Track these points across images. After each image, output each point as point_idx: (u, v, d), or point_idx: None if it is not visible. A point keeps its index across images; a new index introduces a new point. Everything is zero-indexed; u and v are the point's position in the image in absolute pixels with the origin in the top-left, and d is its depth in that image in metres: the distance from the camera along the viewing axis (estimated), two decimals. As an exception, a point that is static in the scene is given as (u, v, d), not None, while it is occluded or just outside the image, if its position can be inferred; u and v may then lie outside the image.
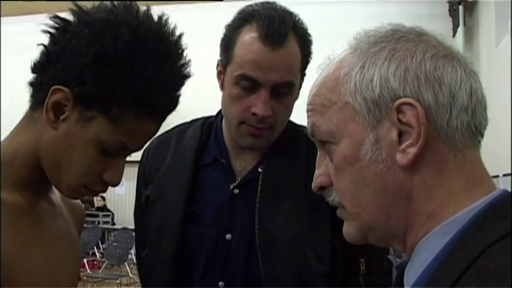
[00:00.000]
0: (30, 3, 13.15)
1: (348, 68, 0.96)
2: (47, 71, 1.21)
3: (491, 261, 0.81)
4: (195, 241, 1.75)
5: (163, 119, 1.28)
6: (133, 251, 11.32)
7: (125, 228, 12.20)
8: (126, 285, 11.17)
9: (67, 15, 1.23)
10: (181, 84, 1.27)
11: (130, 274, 11.20)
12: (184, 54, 1.27)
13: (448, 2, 11.88)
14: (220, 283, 1.71)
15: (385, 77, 0.92)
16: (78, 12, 1.23)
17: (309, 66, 1.73)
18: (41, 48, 1.23)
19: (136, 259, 2.03)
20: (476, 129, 0.93)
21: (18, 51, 13.01)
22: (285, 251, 1.68)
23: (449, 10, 11.86)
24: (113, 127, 1.19)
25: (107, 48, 1.16)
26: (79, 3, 1.25)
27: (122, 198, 14.53)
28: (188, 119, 1.97)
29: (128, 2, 1.24)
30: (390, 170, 0.92)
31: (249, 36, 1.66)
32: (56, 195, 1.39)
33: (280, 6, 1.72)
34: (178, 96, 1.27)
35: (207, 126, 1.88)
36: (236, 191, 1.76)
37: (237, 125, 1.71)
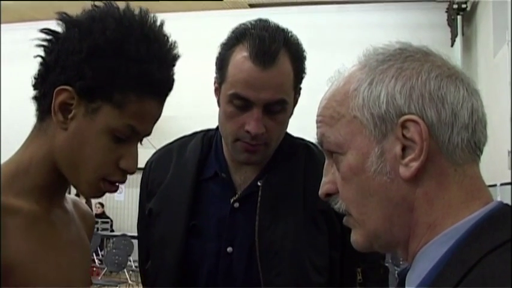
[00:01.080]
0: (29, 9, 13.20)
1: (357, 84, 1.01)
2: (48, 79, 1.28)
3: (487, 269, 0.86)
4: (197, 254, 1.78)
5: (164, 98, 1.33)
6: (132, 258, 11.33)
7: (124, 235, 12.20)
8: (125, 291, 11.19)
9: (55, 24, 1.31)
10: (173, 64, 1.34)
11: (129, 281, 11.22)
12: (170, 38, 1.34)
13: (447, 11, 11.94)
14: None
15: (391, 94, 0.97)
16: (65, 17, 1.30)
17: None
18: (38, 60, 1.30)
19: (140, 271, 2.07)
20: (475, 146, 0.98)
21: (15, 58, 13.07)
22: (285, 264, 1.72)
23: (447, 20, 11.91)
24: (119, 112, 1.25)
25: (97, 40, 1.24)
26: (64, 10, 1.32)
27: (120, 205, 14.53)
28: (192, 126, 2.01)
29: (108, 2, 1.32)
30: (394, 182, 0.97)
31: (240, 56, 1.70)
32: (68, 203, 1.45)
33: (274, 24, 1.75)
34: (173, 74, 1.34)
35: (208, 140, 1.92)
36: (236, 204, 1.80)
37: (233, 142, 1.75)
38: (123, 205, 14.41)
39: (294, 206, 1.78)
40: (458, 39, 11.17)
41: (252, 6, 13.60)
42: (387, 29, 12.11)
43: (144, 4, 1.34)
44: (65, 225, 1.40)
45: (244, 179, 1.83)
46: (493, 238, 0.90)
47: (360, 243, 1.04)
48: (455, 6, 11.39)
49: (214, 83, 1.81)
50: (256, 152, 1.74)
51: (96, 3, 1.32)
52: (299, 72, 1.77)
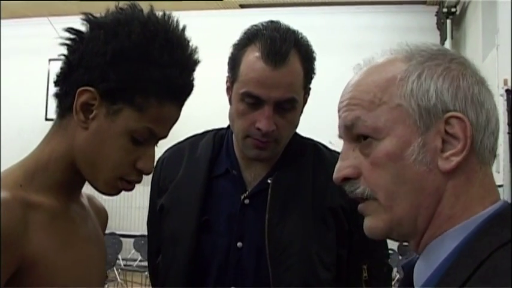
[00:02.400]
0: (21, 7, 13.15)
1: (405, 74, 1.05)
2: (71, 78, 1.31)
3: (499, 263, 0.92)
4: (208, 248, 1.83)
5: (183, 102, 1.37)
6: (121, 256, 11.32)
7: (112, 233, 12.17)
8: (114, 290, 11.17)
9: (78, 24, 1.34)
10: (193, 69, 1.37)
11: (118, 279, 11.19)
12: (191, 43, 1.37)
13: (436, 15, 11.99)
14: None
15: (440, 90, 1.02)
16: (90, 19, 1.33)
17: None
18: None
19: (148, 266, 2.12)
20: (494, 150, 1.05)
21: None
22: (293, 260, 1.77)
23: (437, 23, 11.96)
24: (139, 115, 1.28)
25: (123, 44, 1.27)
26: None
27: (108, 204, 14.37)
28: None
29: (132, 3, 1.35)
30: (431, 173, 1.01)
31: (252, 56, 1.76)
32: (85, 198, 1.49)
33: (284, 25, 1.81)
34: (193, 80, 1.37)
35: (219, 138, 1.97)
36: (247, 201, 1.85)
37: (243, 139, 1.80)
38: (111, 204, 14.34)
39: (303, 203, 1.84)
40: (448, 43, 11.23)
41: (242, 6, 13.59)
42: (377, 32, 12.14)
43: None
44: (83, 220, 1.43)
45: (254, 176, 1.88)
46: (501, 235, 0.96)
47: (379, 229, 1.06)
48: (445, 10, 11.46)
49: (226, 82, 1.87)
50: (266, 149, 1.79)
51: (121, 4, 1.35)
52: (309, 72, 1.83)
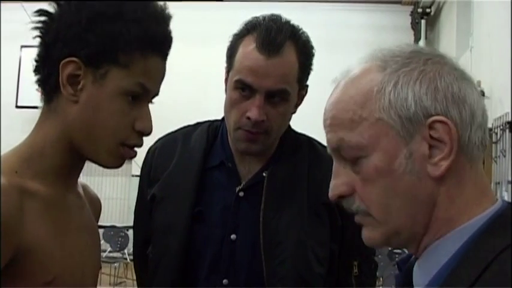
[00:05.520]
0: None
1: (380, 86, 1.02)
2: (50, 58, 1.30)
3: (505, 266, 0.91)
4: (202, 240, 1.82)
5: (166, 54, 1.37)
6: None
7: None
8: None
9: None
10: (168, 22, 1.37)
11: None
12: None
13: (411, 15, 12.10)
14: (225, 281, 1.79)
15: (418, 96, 1.00)
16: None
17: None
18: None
19: (133, 255, 2.10)
20: (483, 144, 1.04)
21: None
22: (287, 253, 1.76)
23: (411, 23, 12.08)
24: (127, 72, 1.29)
25: (96, 7, 1.27)
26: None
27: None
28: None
29: None
30: (421, 181, 1.00)
31: (248, 45, 1.77)
32: (80, 188, 1.46)
33: (284, 18, 1.82)
34: (170, 32, 1.37)
35: (213, 130, 1.96)
36: (241, 193, 1.84)
37: (235, 130, 1.80)
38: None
39: (298, 197, 1.84)
40: (422, 43, 11.34)
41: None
42: (351, 29, 12.22)
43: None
44: (79, 209, 1.42)
45: (249, 169, 1.88)
46: (505, 236, 0.96)
47: (376, 240, 1.06)
48: (419, 10, 11.59)
49: (225, 73, 1.87)
50: (256, 141, 1.79)
51: None
52: (305, 66, 1.83)
